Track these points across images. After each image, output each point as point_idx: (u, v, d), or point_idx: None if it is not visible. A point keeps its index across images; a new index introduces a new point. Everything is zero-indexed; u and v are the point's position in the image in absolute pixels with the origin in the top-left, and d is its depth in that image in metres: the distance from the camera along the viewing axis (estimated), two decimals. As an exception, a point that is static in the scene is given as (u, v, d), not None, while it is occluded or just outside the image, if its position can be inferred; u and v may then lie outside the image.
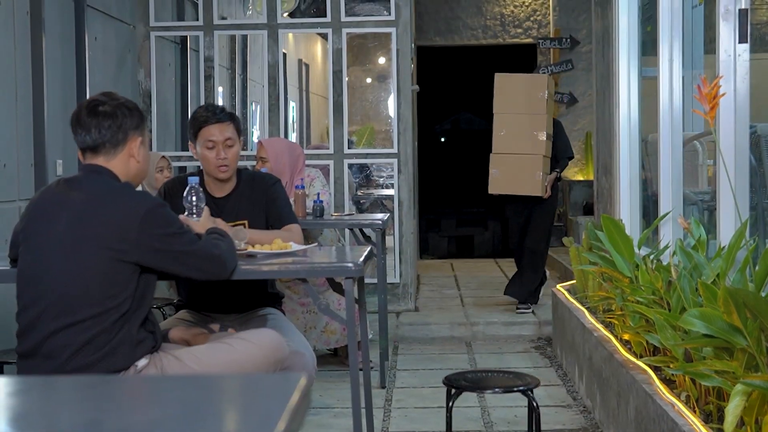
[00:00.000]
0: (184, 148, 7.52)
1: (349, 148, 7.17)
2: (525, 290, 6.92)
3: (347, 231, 6.39)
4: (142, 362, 2.84)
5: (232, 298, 3.71)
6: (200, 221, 3.29)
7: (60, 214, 2.79)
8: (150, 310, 2.91)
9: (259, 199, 3.77)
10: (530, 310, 6.83)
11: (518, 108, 6.59)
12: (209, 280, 3.03)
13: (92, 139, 2.85)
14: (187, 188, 3.41)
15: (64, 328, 2.74)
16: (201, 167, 3.80)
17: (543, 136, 6.54)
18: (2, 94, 4.79)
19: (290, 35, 10.12)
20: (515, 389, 3.47)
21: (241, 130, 3.78)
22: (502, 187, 6.66)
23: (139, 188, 5.33)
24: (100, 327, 2.74)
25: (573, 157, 7.04)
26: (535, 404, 3.50)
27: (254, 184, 3.79)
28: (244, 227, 3.72)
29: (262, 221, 3.76)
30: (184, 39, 7.57)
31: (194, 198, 3.41)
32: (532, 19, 11.65)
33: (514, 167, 6.58)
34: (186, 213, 3.38)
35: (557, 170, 6.70)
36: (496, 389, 3.50)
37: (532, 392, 3.49)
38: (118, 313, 2.76)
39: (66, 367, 2.73)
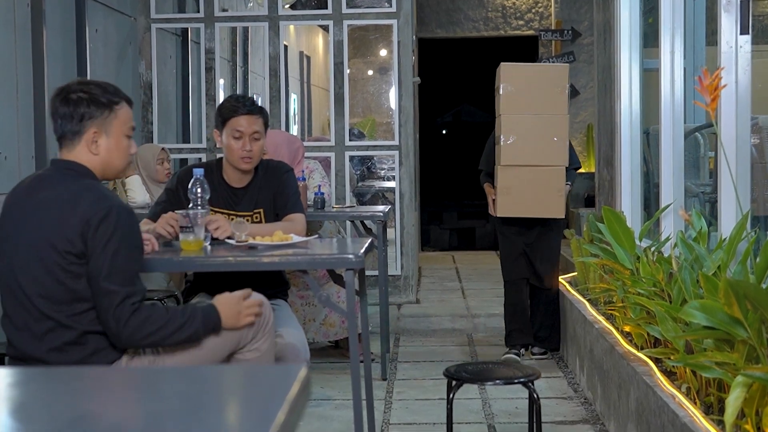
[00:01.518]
0: (185, 140, 7.52)
1: (351, 140, 7.16)
2: (557, 334, 5.58)
3: (348, 223, 6.39)
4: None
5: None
6: (229, 298, 2.95)
7: (29, 218, 2.72)
8: None
9: (273, 187, 3.78)
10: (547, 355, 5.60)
11: (533, 107, 5.20)
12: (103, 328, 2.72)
13: (56, 128, 2.77)
14: (192, 180, 3.42)
15: (47, 332, 2.70)
16: (217, 157, 3.83)
17: (564, 143, 5.24)
18: (3, 87, 4.79)
19: (291, 27, 10.10)
20: (516, 381, 3.47)
21: (268, 125, 3.78)
22: (516, 208, 5.27)
23: (138, 180, 5.37)
24: (80, 328, 2.70)
25: (580, 168, 5.73)
26: (535, 396, 3.50)
27: (269, 173, 3.81)
28: (261, 215, 3.74)
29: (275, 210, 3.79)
30: (185, 31, 7.56)
31: (199, 190, 3.42)
32: (533, 10, 11.63)
33: (531, 184, 5.21)
34: (190, 204, 3.39)
35: (568, 183, 5.38)
36: (497, 381, 3.49)
37: (532, 384, 3.48)
38: (95, 313, 2.71)
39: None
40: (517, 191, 5.23)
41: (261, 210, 3.76)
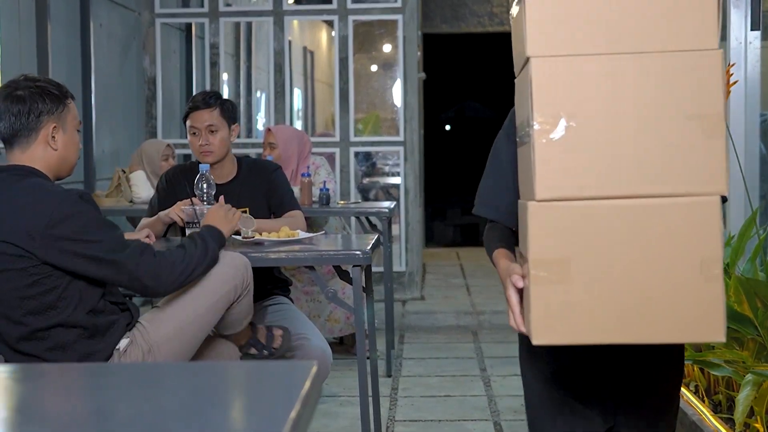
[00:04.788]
0: (190, 136, 7.50)
1: (356, 136, 7.14)
2: None
3: (353, 219, 6.38)
4: (123, 343, 2.79)
5: None
6: (210, 209, 3.19)
7: None
8: (100, 298, 2.75)
9: (260, 186, 3.77)
10: None
11: (625, 35, 1.72)
12: (144, 294, 2.80)
13: (5, 128, 2.69)
14: (198, 175, 3.43)
15: (22, 340, 2.65)
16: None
17: (720, 134, 1.67)
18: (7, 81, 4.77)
19: (295, 22, 10.08)
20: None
21: (234, 116, 3.76)
22: (586, 323, 1.68)
23: (142, 175, 5.35)
24: (57, 334, 2.65)
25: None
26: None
27: (255, 171, 3.80)
28: (246, 213, 3.73)
29: (263, 208, 3.76)
30: (189, 26, 7.54)
31: (205, 185, 3.42)
32: (538, 6, 11.61)
33: (634, 251, 1.66)
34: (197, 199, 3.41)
35: None
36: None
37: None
38: (61, 317, 2.65)
39: None
40: (591, 272, 1.69)
41: (246, 209, 3.74)
